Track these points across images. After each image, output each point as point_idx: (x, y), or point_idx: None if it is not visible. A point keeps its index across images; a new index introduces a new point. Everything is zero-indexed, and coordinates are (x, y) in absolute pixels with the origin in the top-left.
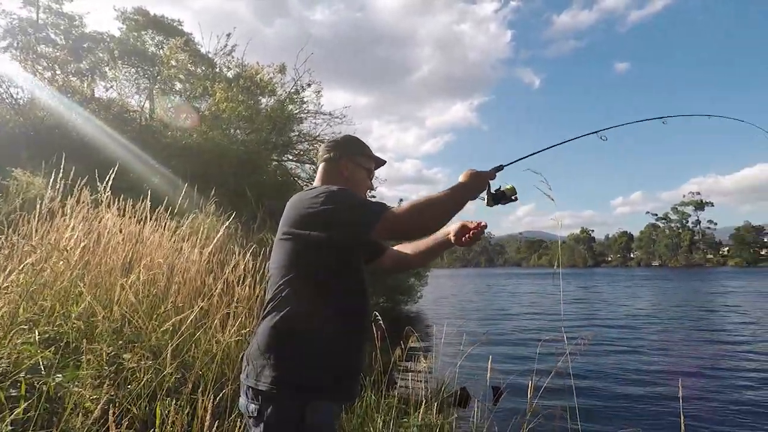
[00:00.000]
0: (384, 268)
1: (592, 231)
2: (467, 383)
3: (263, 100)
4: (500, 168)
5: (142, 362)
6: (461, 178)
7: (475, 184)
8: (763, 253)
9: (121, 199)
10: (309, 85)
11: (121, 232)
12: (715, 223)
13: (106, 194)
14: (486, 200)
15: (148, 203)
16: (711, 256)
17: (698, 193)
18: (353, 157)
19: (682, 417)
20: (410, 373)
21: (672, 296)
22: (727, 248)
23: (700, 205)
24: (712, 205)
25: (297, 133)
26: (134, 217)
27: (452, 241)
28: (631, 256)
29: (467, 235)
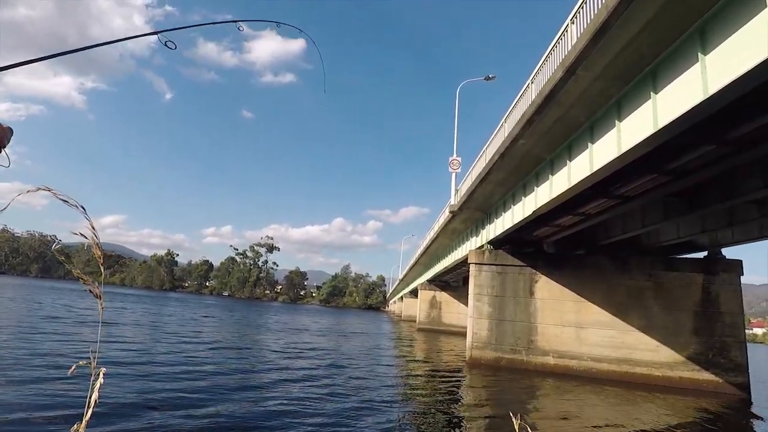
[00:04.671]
0: None
1: (178, 255)
2: None
3: None
4: None
5: None
6: None
7: None
8: (302, 293)
9: None
10: None
11: None
12: (277, 265)
13: None
14: None
15: None
16: (268, 292)
17: (272, 238)
18: None
19: None
20: None
21: (229, 326)
22: (281, 287)
23: (271, 249)
24: (279, 250)
25: None
26: None
27: None
28: (207, 284)
29: None
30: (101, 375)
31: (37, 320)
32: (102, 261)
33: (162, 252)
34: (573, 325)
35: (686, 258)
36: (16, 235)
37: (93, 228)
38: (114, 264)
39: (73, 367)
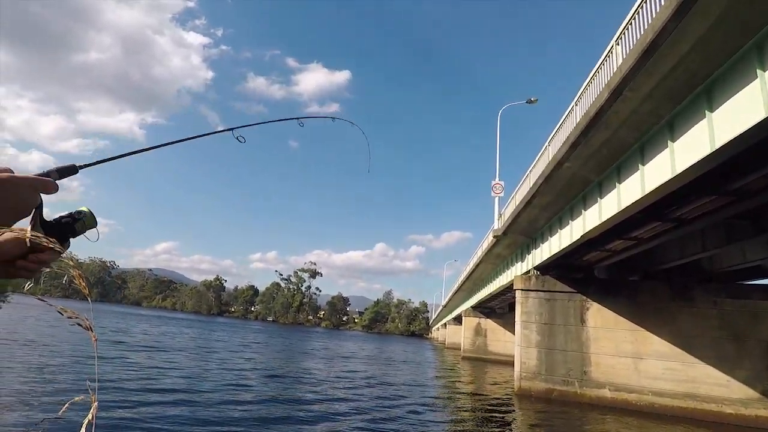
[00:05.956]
0: None
1: (226, 280)
2: None
3: None
4: (73, 170)
5: None
6: None
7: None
8: (344, 319)
9: None
10: None
11: None
12: (320, 291)
13: None
14: (33, 229)
15: None
16: (311, 317)
17: (315, 263)
18: None
19: None
20: None
21: (279, 353)
22: (323, 312)
23: (314, 274)
24: (321, 275)
25: None
26: None
27: None
28: (252, 309)
29: (22, 260)
30: (93, 410)
31: (105, 345)
32: (88, 294)
33: (211, 277)
34: (630, 355)
35: (755, 284)
36: (80, 261)
37: (73, 260)
38: (165, 289)
39: (65, 405)
